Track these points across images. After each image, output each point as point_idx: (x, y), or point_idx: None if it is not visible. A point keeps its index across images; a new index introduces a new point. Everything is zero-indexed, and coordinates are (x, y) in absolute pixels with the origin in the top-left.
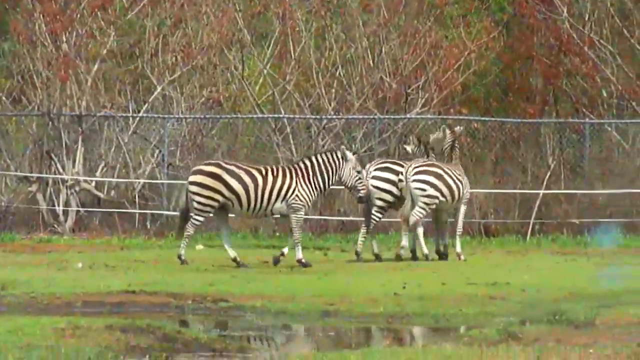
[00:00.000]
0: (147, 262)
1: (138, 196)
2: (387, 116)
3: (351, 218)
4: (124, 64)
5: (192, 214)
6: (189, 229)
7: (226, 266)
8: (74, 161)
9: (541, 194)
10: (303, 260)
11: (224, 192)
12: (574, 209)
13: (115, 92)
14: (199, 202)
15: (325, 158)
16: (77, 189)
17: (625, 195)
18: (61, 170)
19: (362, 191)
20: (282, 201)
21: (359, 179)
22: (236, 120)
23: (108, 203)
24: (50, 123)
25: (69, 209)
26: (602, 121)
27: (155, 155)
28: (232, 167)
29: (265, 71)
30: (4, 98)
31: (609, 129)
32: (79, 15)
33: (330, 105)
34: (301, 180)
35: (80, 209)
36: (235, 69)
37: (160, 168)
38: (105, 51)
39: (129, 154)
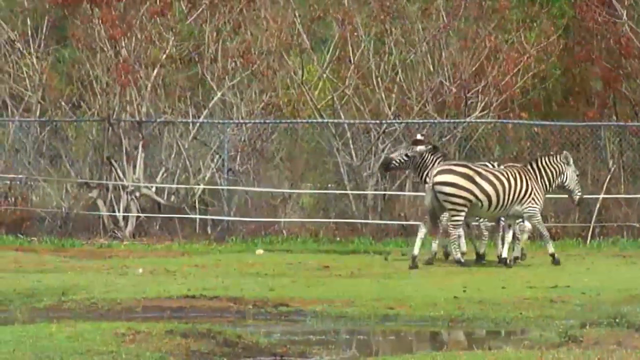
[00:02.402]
0: (207, 267)
1: (198, 201)
2: (446, 120)
3: (411, 222)
4: (183, 69)
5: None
6: (452, 232)
7: (286, 271)
8: (134, 167)
9: (601, 197)
10: (555, 255)
11: (476, 193)
12: (634, 212)
13: (175, 97)
14: (454, 203)
15: (550, 161)
16: (137, 194)
17: None
18: (121, 176)
19: (579, 194)
20: (519, 204)
21: (578, 182)
22: (296, 125)
23: (168, 209)
24: (110, 129)
25: (129, 214)
26: None
27: (215, 160)
28: (480, 169)
29: (324, 76)
30: (63, 104)
31: None
32: (138, 21)
33: (389, 109)
34: (534, 183)
35: (141, 214)
36: (295, 74)
37: (221, 173)
38: (164, 57)
39: (189, 159)
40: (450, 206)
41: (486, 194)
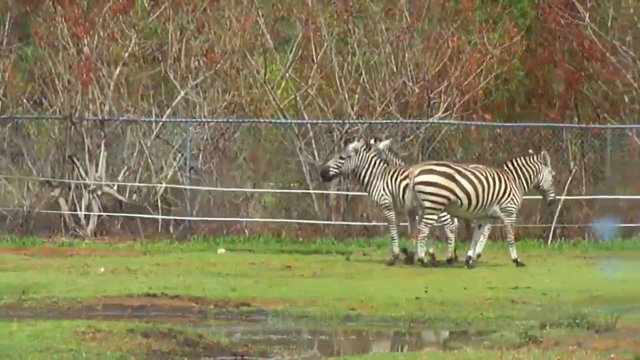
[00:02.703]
0: (169, 266)
1: (160, 200)
2: (409, 120)
3: (374, 223)
4: (146, 68)
5: (424, 214)
6: (424, 231)
7: (248, 270)
8: (97, 165)
9: (562, 199)
10: (519, 260)
11: (456, 191)
12: (596, 214)
13: (137, 96)
14: (433, 202)
15: (527, 161)
16: (99, 193)
17: None
18: (83, 174)
19: (552, 195)
20: (497, 204)
21: (553, 183)
22: (259, 125)
23: (130, 207)
24: (73, 127)
25: (91, 213)
26: (623, 126)
27: (178, 159)
28: (460, 168)
29: (287, 75)
30: (25, 101)
31: (630, 134)
32: (100, 19)
33: (352, 109)
34: (513, 184)
35: (102, 213)
36: (258, 73)
37: (183, 172)
38: (127, 55)
39: (152, 158)
40: (428, 204)
41: (466, 193)
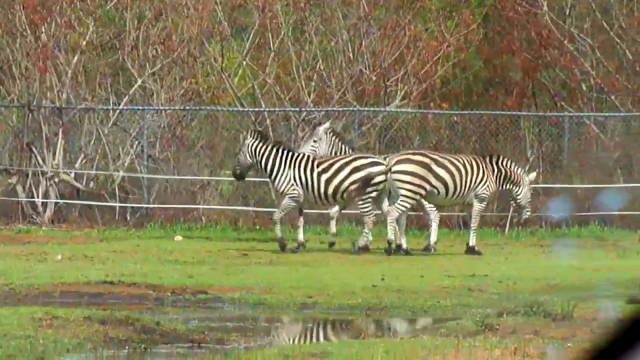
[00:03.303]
0: (126, 253)
1: (118, 188)
2: (366, 109)
3: (329, 211)
4: (104, 56)
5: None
6: (393, 214)
7: (205, 258)
8: (54, 153)
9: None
10: (476, 248)
11: (432, 181)
12: (552, 202)
13: (95, 84)
14: (409, 190)
15: (513, 169)
16: (56, 180)
17: (603, 189)
18: (41, 162)
19: (528, 214)
20: (473, 190)
21: (531, 202)
22: (216, 113)
23: (87, 195)
24: (30, 115)
25: (48, 200)
26: (581, 114)
27: (135, 147)
28: (437, 157)
29: (244, 63)
30: None
31: (588, 122)
32: (58, 6)
33: (309, 97)
34: (490, 173)
35: (60, 200)
36: (215, 61)
37: (140, 160)
38: (84, 43)
39: (109, 145)
40: (404, 192)
41: (443, 182)
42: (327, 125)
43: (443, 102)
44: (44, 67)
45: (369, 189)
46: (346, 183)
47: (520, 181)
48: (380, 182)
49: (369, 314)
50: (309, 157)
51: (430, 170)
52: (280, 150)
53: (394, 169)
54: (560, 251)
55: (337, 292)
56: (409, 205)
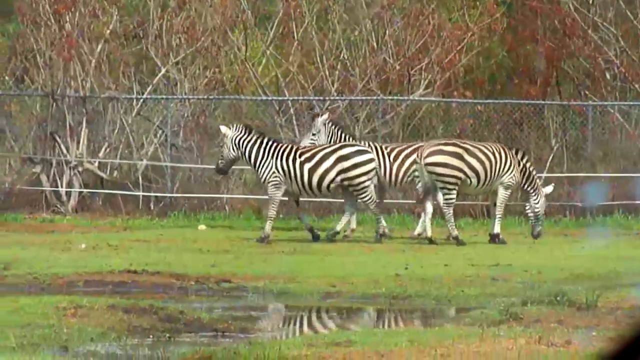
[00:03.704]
0: (149, 242)
1: (141, 177)
2: (390, 97)
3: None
4: (127, 45)
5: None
6: (447, 211)
7: (229, 247)
8: (78, 142)
9: (544, 176)
10: (501, 236)
11: (465, 170)
12: (577, 191)
13: (119, 73)
14: (446, 182)
15: (534, 176)
16: (80, 169)
17: (628, 178)
18: (65, 151)
19: (541, 227)
20: (501, 178)
21: (544, 217)
22: (240, 102)
23: (111, 184)
24: (54, 104)
25: (72, 189)
26: (605, 103)
27: (159, 136)
28: (468, 146)
29: (268, 52)
30: (7, 78)
31: (612, 111)
32: None
33: (333, 86)
34: (516, 164)
35: (83, 189)
36: (239, 50)
37: (164, 149)
38: (108, 32)
39: (133, 135)
40: (441, 185)
41: (475, 172)
42: (325, 116)
43: (467, 90)
44: (69, 56)
45: (362, 179)
46: (332, 173)
47: (538, 189)
48: (371, 170)
49: (392, 302)
50: (292, 147)
51: (462, 159)
52: (263, 141)
53: (426, 160)
54: (596, 238)
55: (360, 281)
56: (453, 196)
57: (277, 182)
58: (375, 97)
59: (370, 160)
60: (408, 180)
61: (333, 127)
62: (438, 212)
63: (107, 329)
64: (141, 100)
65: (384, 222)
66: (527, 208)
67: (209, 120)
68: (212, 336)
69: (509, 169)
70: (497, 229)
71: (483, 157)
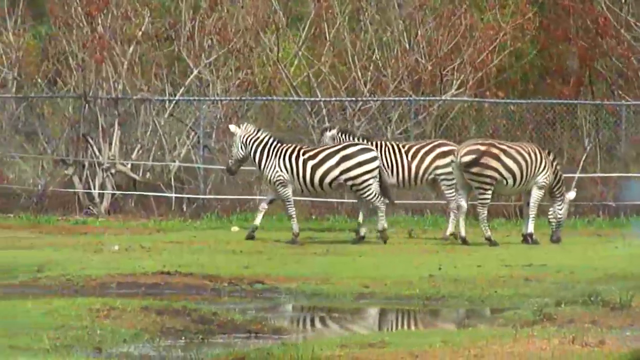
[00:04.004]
0: (182, 244)
1: (174, 179)
2: (422, 98)
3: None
4: (160, 47)
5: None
6: (481, 212)
7: (261, 248)
8: (110, 144)
9: (577, 176)
10: (534, 237)
11: (501, 171)
12: (610, 191)
13: (151, 75)
14: (482, 182)
15: (562, 180)
16: (112, 171)
17: None
18: (97, 153)
19: (559, 233)
20: (535, 177)
21: (563, 225)
22: (272, 103)
23: (144, 185)
24: (87, 106)
25: (105, 191)
26: (638, 102)
27: (191, 137)
28: (505, 147)
29: (300, 53)
30: (39, 80)
31: None
32: None
33: (365, 87)
34: (549, 164)
35: (116, 191)
36: (271, 51)
37: (196, 150)
38: (140, 33)
39: (165, 136)
40: (477, 185)
41: (511, 172)
42: (334, 132)
43: (499, 90)
44: (101, 58)
45: (365, 177)
46: (336, 171)
47: (563, 194)
48: (374, 168)
49: (426, 303)
50: (296, 146)
51: (499, 160)
52: (269, 141)
53: (463, 160)
54: (630, 238)
55: (394, 281)
56: (488, 196)
57: (282, 181)
58: (407, 98)
59: (374, 159)
60: (429, 178)
61: (343, 136)
62: (472, 213)
63: (140, 331)
64: (173, 101)
65: (385, 222)
66: (550, 213)
67: (241, 122)
68: (246, 337)
69: (543, 169)
70: (530, 229)
71: (519, 158)
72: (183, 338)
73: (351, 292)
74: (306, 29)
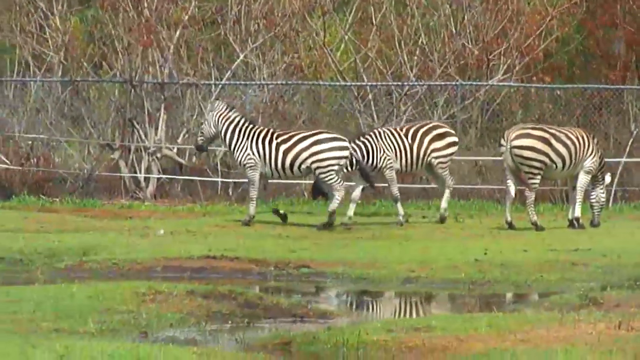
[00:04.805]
0: (228, 228)
1: (220, 163)
2: (468, 82)
3: (433, 185)
4: (206, 31)
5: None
6: (529, 196)
7: (307, 233)
8: (156, 128)
9: (623, 161)
10: (581, 221)
11: (552, 156)
12: None
13: (197, 59)
14: (532, 166)
15: (603, 163)
16: (158, 155)
17: None
18: (143, 137)
19: (598, 216)
20: (582, 163)
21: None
22: (318, 87)
23: (190, 170)
24: (133, 90)
25: (151, 175)
26: None
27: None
28: (555, 131)
29: (346, 38)
30: (85, 64)
31: None
32: None
33: (411, 72)
34: (596, 149)
35: (162, 175)
36: (317, 36)
37: None
38: (186, 17)
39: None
40: (527, 169)
41: (561, 157)
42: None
43: (545, 75)
44: (149, 41)
45: (331, 162)
46: (305, 154)
47: (604, 180)
48: (342, 157)
49: (472, 288)
50: (269, 130)
51: (550, 144)
52: (239, 121)
53: (514, 143)
54: None
55: (440, 266)
56: (537, 180)
57: (252, 164)
58: (453, 83)
59: (345, 148)
60: (429, 160)
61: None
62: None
63: (186, 315)
64: (219, 86)
65: (336, 206)
66: (592, 197)
67: (287, 106)
68: (291, 321)
69: (591, 153)
70: (577, 213)
71: (569, 142)
72: (229, 322)
73: (397, 277)
74: (353, 13)
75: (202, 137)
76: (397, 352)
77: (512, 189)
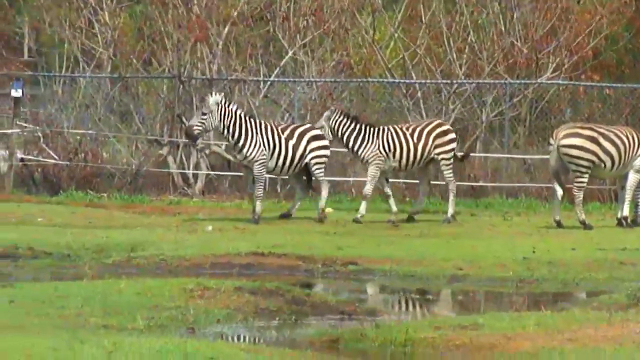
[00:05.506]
0: (276, 225)
1: None
2: (517, 81)
3: (481, 183)
4: (255, 27)
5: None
6: (577, 194)
7: (355, 229)
8: None
9: None
10: (629, 220)
11: (600, 155)
12: None
13: (246, 55)
14: (580, 165)
15: None
16: (207, 152)
17: None
18: None
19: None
20: (633, 160)
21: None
22: (366, 85)
23: (238, 166)
24: (181, 86)
25: (199, 172)
26: None
27: (285, 119)
28: (604, 131)
29: (395, 35)
30: (134, 60)
31: None
32: None
33: (460, 69)
34: None
35: (210, 172)
36: (366, 33)
37: None
38: (236, 14)
39: (260, 117)
40: (574, 168)
41: (610, 156)
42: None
43: (594, 74)
44: (202, 36)
45: (321, 159)
46: (303, 150)
47: None
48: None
49: (520, 286)
50: (270, 124)
51: (598, 144)
52: (246, 117)
53: (562, 142)
54: None
55: (487, 264)
56: (585, 179)
57: (264, 160)
58: (502, 81)
59: (325, 147)
60: (428, 158)
61: (344, 119)
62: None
63: (234, 311)
64: (268, 82)
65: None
66: (638, 196)
67: (336, 103)
68: (339, 319)
69: (638, 152)
70: (626, 211)
71: (618, 141)
72: (276, 319)
73: (444, 274)
74: (402, 10)
75: (200, 128)
76: (444, 350)
77: (560, 189)
